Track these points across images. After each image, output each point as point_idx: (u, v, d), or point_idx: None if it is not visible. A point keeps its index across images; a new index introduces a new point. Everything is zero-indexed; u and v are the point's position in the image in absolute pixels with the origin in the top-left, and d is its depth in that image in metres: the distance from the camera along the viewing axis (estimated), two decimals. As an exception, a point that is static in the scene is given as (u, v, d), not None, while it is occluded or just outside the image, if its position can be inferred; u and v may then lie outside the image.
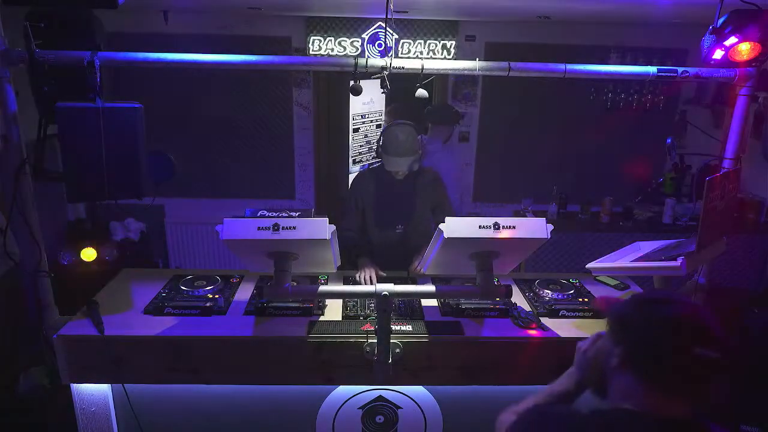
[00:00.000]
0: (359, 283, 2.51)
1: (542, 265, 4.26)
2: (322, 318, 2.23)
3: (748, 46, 2.17)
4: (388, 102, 5.01)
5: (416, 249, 2.66)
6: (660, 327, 1.09)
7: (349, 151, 4.87)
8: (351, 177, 4.98)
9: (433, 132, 3.98)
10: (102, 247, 4.17)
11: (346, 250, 2.63)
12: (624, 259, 2.37)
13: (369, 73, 2.30)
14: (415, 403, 2.29)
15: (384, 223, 2.80)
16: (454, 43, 4.52)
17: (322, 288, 2.09)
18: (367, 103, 4.86)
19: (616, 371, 1.15)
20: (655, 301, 1.16)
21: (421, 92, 2.37)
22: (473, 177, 4.91)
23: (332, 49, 4.49)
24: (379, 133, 3.51)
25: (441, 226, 1.88)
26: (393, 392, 2.27)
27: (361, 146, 4.95)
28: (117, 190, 2.13)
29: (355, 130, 4.87)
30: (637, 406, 1.10)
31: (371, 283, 2.48)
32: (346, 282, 2.55)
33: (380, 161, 2.69)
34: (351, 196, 2.84)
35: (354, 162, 4.95)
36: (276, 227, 1.85)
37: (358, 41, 4.47)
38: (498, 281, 2.49)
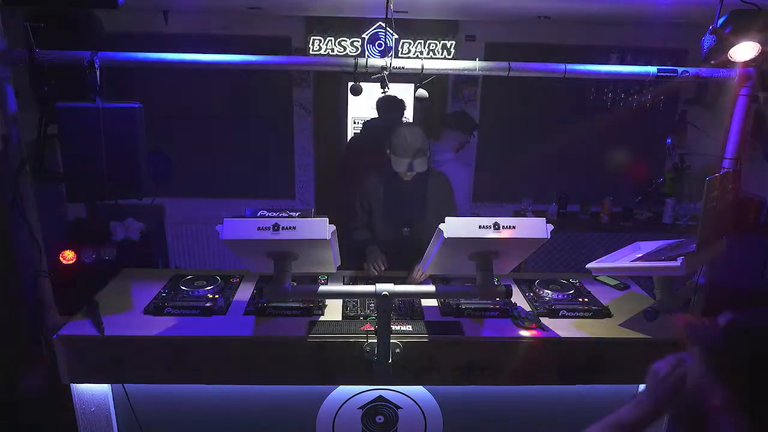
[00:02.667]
0: (370, 274, 2.54)
1: (542, 265, 4.26)
2: (322, 318, 2.23)
3: (748, 46, 2.17)
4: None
5: (422, 252, 2.67)
6: None
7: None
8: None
9: (445, 138, 3.81)
10: (102, 247, 4.17)
11: (355, 245, 2.68)
12: (624, 259, 2.37)
13: (369, 73, 2.30)
14: (415, 403, 2.29)
15: (391, 224, 2.80)
16: (454, 43, 4.52)
17: (322, 288, 2.09)
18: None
19: (720, 412, 1.00)
20: (761, 332, 1.01)
21: (421, 92, 2.37)
22: (473, 177, 4.91)
23: (332, 49, 4.49)
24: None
25: (441, 226, 1.88)
26: (393, 392, 2.27)
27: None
28: (117, 190, 2.13)
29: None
30: None
31: (381, 271, 2.51)
32: (354, 281, 2.55)
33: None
34: (359, 195, 2.84)
35: (354, 165, 4.95)
36: (276, 227, 1.85)
37: (358, 41, 4.47)
38: (498, 281, 2.49)
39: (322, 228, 1.87)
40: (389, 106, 3.99)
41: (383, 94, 2.37)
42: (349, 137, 4.94)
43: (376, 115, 4.16)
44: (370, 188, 2.81)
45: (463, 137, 3.88)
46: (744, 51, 2.19)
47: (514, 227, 1.88)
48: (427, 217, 2.80)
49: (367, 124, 4.27)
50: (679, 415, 1.14)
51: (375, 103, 4.09)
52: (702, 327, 1.09)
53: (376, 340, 2.01)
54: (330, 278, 2.55)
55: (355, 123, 4.90)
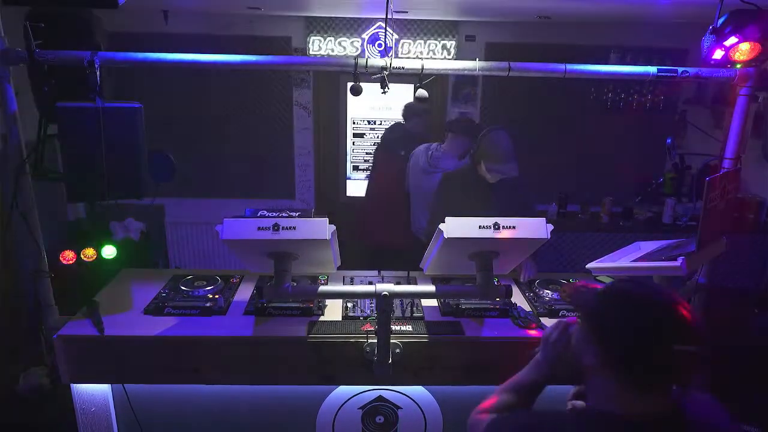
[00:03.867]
0: None
1: (542, 265, 4.25)
2: (322, 318, 2.23)
3: (748, 46, 2.17)
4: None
5: None
6: (639, 330, 1.04)
7: (347, 155, 4.87)
8: (348, 183, 4.99)
9: (450, 143, 3.60)
10: (101, 247, 4.17)
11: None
12: (624, 259, 2.37)
13: (369, 74, 2.30)
14: (415, 403, 2.29)
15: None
16: (454, 43, 4.52)
17: (322, 288, 2.09)
18: (377, 109, 4.80)
19: (593, 372, 1.10)
20: (629, 297, 1.09)
21: (421, 92, 2.37)
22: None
23: (332, 49, 4.50)
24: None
25: (441, 226, 1.88)
26: (393, 392, 2.27)
27: (368, 153, 4.91)
28: (117, 190, 2.13)
29: (360, 135, 4.85)
30: (619, 408, 1.06)
31: None
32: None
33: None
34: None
35: (355, 169, 4.94)
36: (276, 227, 1.85)
37: (358, 41, 4.47)
38: (498, 281, 2.49)
39: (322, 228, 1.87)
40: (416, 110, 3.91)
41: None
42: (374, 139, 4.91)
43: (400, 119, 4.09)
44: (448, 188, 2.87)
45: (468, 144, 3.68)
46: (744, 51, 2.19)
47: (514, 227, 1.88)
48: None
49: (394, 128, 4.15)
50: (566, 376, 1.26)
51: (403, 108, 4.00)
52: (583, 293, 1.20)
53: (376, 340, 2.01)
54: (330, 278, 2.55)
55: (373, 123, 4.86)
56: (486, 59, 2.40)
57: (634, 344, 1.04)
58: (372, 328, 2.11)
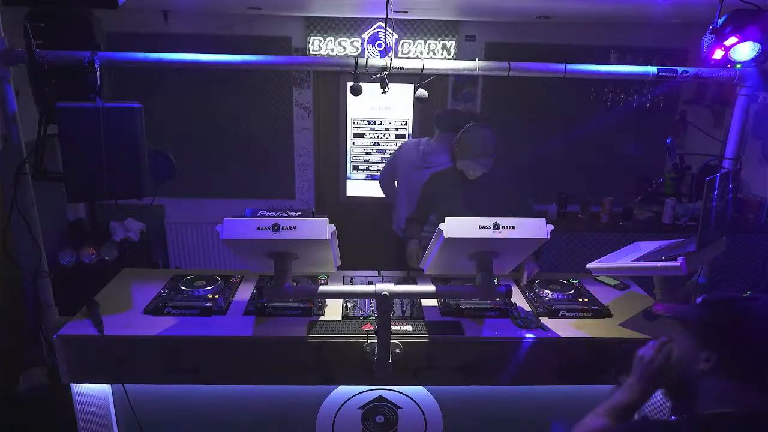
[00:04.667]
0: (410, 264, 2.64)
1: (542, 265, 4.25)
2: (322, 318, 2.23)
3: (748, 46, 2.17)
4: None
5: None
6: (753, 326, 1.11)
7: (347, 155, 4.87)
8: (348, 183, 4.98)
9: (438, 140, 3.51)
10: (102, 247, 4.17)
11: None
12: (624, 259, 2.37)
13: (369, 74, 2.30)
14: (415, 403, 2.29)
15: None
16: (454, 43, 4.52)
17: (322, 288, 2.09)
18: (377, 109, 4.79)
19: (707, 377, 1.14)
20: (733, 301, 1.16)
21: (421, 92, 2.37)
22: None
23: (332, 49, 4.49)
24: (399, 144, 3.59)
25: (441, 226, 1.88)
26: (393, 392, 2.27)
27: (368, 153, 4.91)
28: (117, 190, 2.13)
29: (360, 135, 4.85)
30: (737, 407, 1.10)
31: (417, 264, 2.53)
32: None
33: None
34: (422, 192, 2.96)
35: (355, 169, 4.93)
36: (276, 227, 1.85)
37: (358, 41, 4.47)
38: (498, 281, 2.49)
39: (322, 228, 1.87)
40: (452, 120, 3.63)
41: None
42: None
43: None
44: (435, 186, 2.87)
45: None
46: (744, 51, 2.19)
47: (514, 227, 1.88)
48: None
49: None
50: (670, 389, 1.28)
51: (435, 117, 3.78)
52: (680, 308, 1.26)
53: (376, 340, 2.01)
54: (330, 278, 2.55)
55: (373, 123, 4.85)
56: (486, 59, 2.40)
57: (750, 343, 1.11)
58: (372, 328, 2.11)
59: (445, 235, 1.85)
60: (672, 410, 1.38)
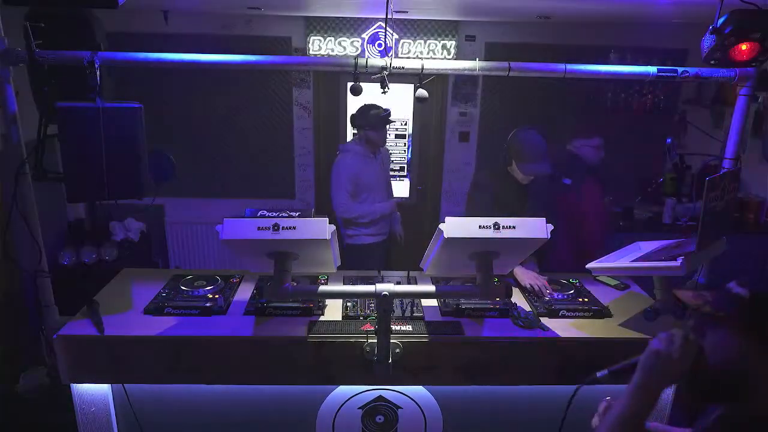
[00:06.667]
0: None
1: (543, 264, 4.25)
2: (322, 318, 2.23)
3: (748, 46, 2.17)
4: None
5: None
6: None
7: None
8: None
9: (362, 140, 3.46)
10: (102, 247, 4.17)
11: None
12: (624, 259, 2.37)
13: (369, 73, 2.30)
14: (415, 403, 2.29)
15: None
16: (454, 43, 4.52)
17: (322, 288, 2.09)
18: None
19: (760, 366, 1.08)
20: None
21: (421, 92, 2.37)
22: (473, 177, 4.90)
23: (332, 49, 4.50)
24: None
25: (441, 226, 1.88)
26: (393, 392, 2.27)
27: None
28: (117, 190, 2.13)
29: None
30: None
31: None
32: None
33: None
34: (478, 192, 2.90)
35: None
36: (276, 227, 1.85)
37: (358, 41, 4.47)
38: (498, 281, 2.49)
39: (322, 228, 1.87)
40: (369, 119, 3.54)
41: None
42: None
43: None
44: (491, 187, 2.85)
45: (380, 135, 3.48)
46: (744, 51, 2.19)
47: (514, 227, 1.88)
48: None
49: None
50: (693, 385, 1.17)
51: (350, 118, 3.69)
52: (718, 296, 1.14)
53: (376, 340, 2.01)
54: (330, 278, 2.55)
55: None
56: (486, 59, 2.40)
57: None
58: (372, 328, 2.11)
59: (445, 235, 1.85)
60: (673, 407, 1.29)
